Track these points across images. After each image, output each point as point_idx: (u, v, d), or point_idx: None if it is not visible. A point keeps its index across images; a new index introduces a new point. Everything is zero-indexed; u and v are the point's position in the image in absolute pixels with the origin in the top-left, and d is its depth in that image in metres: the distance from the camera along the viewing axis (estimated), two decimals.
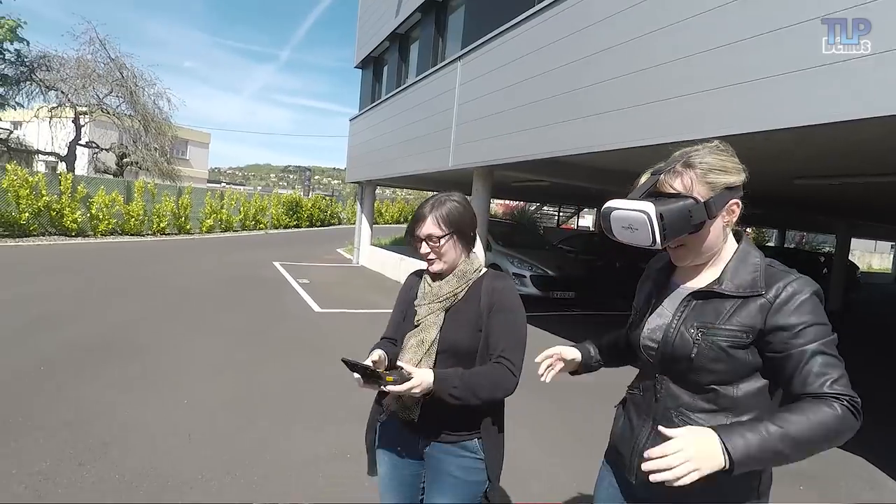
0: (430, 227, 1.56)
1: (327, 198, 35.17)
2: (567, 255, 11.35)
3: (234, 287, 8.93)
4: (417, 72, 10.20)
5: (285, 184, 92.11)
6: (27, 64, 17.75)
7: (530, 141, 6.00)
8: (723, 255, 1.28)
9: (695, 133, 3.72)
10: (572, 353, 1.58)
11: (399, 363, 1.50)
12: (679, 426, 1.18)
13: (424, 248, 1.58)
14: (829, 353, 1.11)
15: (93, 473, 2.75)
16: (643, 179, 1.28)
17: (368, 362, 1.47)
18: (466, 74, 7.60)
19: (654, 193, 1.23)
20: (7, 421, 3.24)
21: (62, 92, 18.68)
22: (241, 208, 22.84)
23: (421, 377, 1.41)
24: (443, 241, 1.55)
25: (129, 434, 3.23)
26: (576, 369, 1.63)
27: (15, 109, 18.60)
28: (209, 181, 43.43)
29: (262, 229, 24.23)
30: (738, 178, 1.22)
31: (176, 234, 18.17)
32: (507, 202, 30.09)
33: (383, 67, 12.96)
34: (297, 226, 27.74)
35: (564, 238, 14.40)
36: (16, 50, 17.07)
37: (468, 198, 1.59)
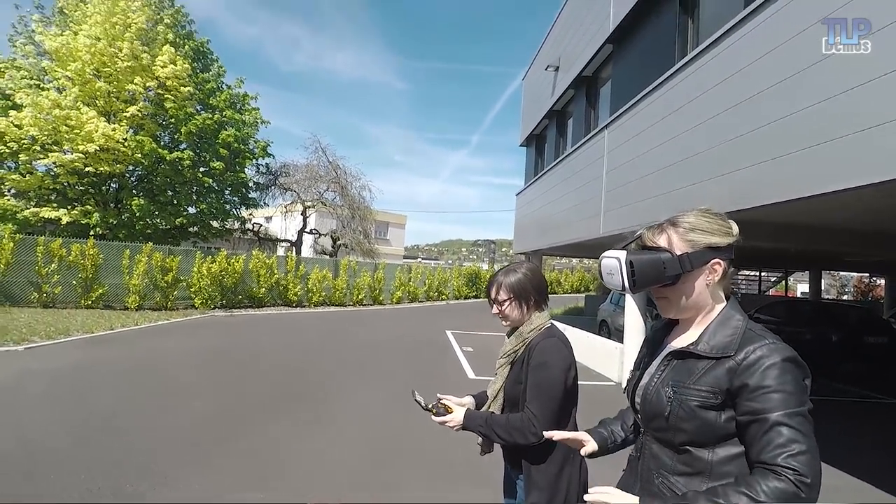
0: (497, 292, 1.86)
1: None
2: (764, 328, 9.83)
3: (408, 351, 9.86)
4: (571, 144, 10.52)
5: (475, 257, 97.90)
6: (273, 173, 23.03)
7: (680, 201, 5.69)
8: (711, 314, 1.27)
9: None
10: (590, 445, 1.54)
11: (444, 401, 1.85)
12: (659, 488, 1.20)
13: (494, 310, 1.89)
14: (790, 424, 1.05)
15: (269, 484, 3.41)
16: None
17: (419, 398, 1.87)
18: (613, 142, 7.64)
19: (641, 247, 1.32)
20: (220, 439, 4.21)
21: (295, 191, 23.61)
22: (426, 280, 25.08)
23: (455, 414, 1.79)
24: (505, 304, 1.84)
25: (296, 459, 3.90)
26: (592, 453, 1.59)
27: (263, 208, 24.01)
28: (406, 257, 48.75)
29: (443, 300, 26.10)
30: (722, 239, 1.24)
31: (371, 305, 20.72)
32: None
33: (544, 144, 13.59)
34: (475, 296, 29.15)
35: (764, 306, 12.51)
36: (266, 164, 22.35)
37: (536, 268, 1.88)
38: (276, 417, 5.12)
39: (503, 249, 71.84)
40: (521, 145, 15.32)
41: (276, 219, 28.56)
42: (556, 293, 38.93)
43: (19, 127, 14.21)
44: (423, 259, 64.94)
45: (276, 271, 16.82)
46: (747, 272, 22.80)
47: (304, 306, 17.76)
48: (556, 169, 10.90)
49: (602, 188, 7.86)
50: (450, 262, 58.58)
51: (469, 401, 1.95)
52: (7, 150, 14.95)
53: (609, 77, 8.88)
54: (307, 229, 25.28)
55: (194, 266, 14.54)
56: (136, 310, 13.04)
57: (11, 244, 11.74)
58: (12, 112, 14.45)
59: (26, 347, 7.53)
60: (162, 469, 3.69)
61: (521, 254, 15.34)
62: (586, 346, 9.35)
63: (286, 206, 24.94)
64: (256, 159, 20.39)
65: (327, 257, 24.48)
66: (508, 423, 1.69)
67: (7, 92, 15.07)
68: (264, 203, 23.36)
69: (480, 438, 1.83)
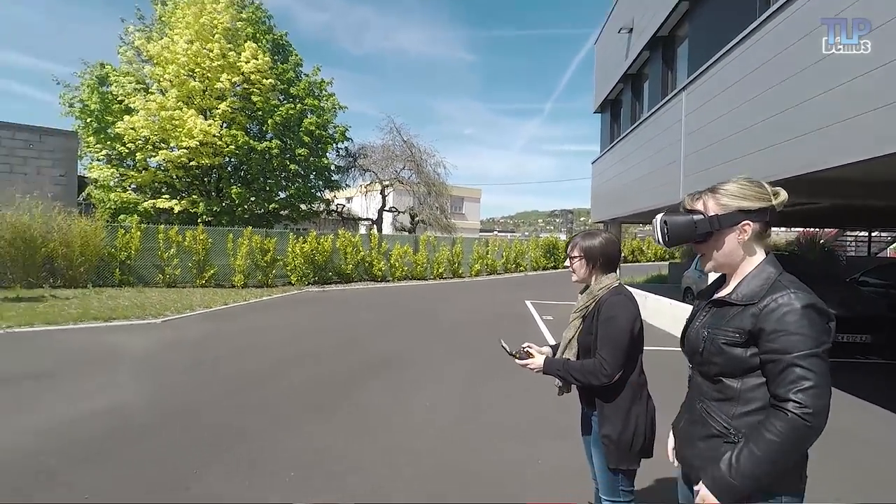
0: (573, 249, 2.20)
1: None
2: (862, 290, 9.20)
3: (488, 321, 10.30)
4: (648, 108, 10.21)
5: (551, 227, 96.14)
6: (352, 155, 24.14)
7: (770, 161, 5.50)
8: (748, 268, 1.51)
9: None
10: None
11: (527, 348, 2.21)
12: (699, 412, 1.50)
13: (567, 263, 2.23)
14: (802, 364, 1.27)
15: (368, 442, 3.99)
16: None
17: (504, 345, 2.24)
18: (692, 104, 7.41)
19: (683, 210, 1.59)
20: (322, 403, 4.89)
21: (373, 172, 24.64)
22: (504, 253, 25.34)
23: (536, 360, 2.15)
24: (575, 260, 2.18)
25: (386, 419, 4.47)
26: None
27: (344, 189, 25.28)
28: (482, 231, 49.09)
29: (521, 271, 26.27)
30: (754, 203, 1.47)
31: (450, 278, 21.39)
32: (807, 229, 25.17)
33: (619, 109, 13.22)
34: (553, 267, 29.01)
35: (873, 269, 11.57)
36: (345, 147, 23.45)
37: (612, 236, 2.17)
38: (377, 379, 5.75)
39: (581, 219, 69.95)
40: (595, 112, 14.97)
41: (357, 199, 29.99)
42: (638, 262, 37.70)
43: (135, 129, 16.02)
44: (499, 232, 64.90)
45: (361, 249, 17.87)
46: (856, 233, 20.86)
47: (387, 281, 18.74)
48: (633, 135, 10.65)
49: (681, 152, 7.68)
50: (526, 233, 58.22)
51: (548, 350, 2.28)
52: (126, 151, 16.94)
53: (686, 36, 8.53)
54: (386, 207, 26.32)
55: (289, 246, 15.84)
56: (242, 287, 14.51)
57: (139, 233, 13.47)
58: (126, 116, 16.29)
59: (163, 321, 8.82)
60: (289, 418, 4.39)
61: (598, 223, 15.15)
62: (669, 315, 9.28)
63: (366, 187, 26.12)
64: (336, 143, 21.45)
65: (406, 234, 25.47)
66: (583, 367, 2.01)
67: (120, 98, 16.96)
68: (346, 185, 24.59)
69: (558, 381, 2.16)
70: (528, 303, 13.29)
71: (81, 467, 3.35)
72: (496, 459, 3.69)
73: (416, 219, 26.57)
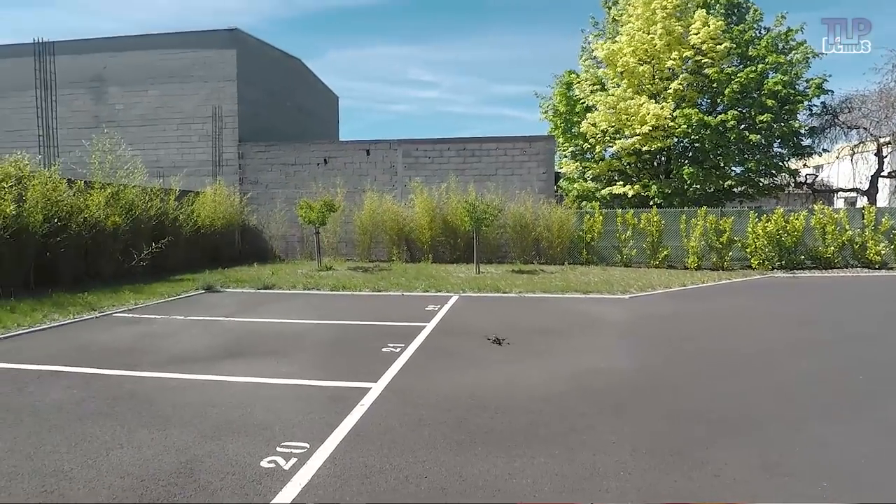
0: None
1: None
2: None
3: None
4: None
5: None
6: (831, 111, 19.41)
7: None
8: None
9: None
10: None
11: None
12: None
13: None
14: None
15: None
16: None
17: None
18: None
19: None
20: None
21: (864, 128, 19.10)
22: None
23: None
24: None
25: None
26: None
27: (819, 156, 20.66)
28: None
29: None
30: None
31: None
32: None
33: None
34: None
35: None
36: (821, 102, 19.09)
37: None
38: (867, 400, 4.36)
39: None
40: None
41: (833, 167, 24.07)
42: None
43: (594, 125, 17.91)
44: None
45: (847, 227, 14.23)
46: None
47: (890, 268, 14.24)
48: None
49: None
50: None
51: None
52: (587, 146, 19.19)
53: None
54: (884, 172, 20.05)
55: (748, 226, 14.26)
56: (696, 269, 14.04)
57: (601, 218, 15.03)
58: (588, 115, 18.38)
59: (630, 297, 9.53)
60: (794, 414, 3.85)
61: None
62: None
63: (852, 148, 20.57)
64: (809, 100, 17.77)
65: None
66: None
67: (581, 100, 19.25)
68: (822, 150, 20.11)
69: None
70: None
71: (602, 415, 3.90)
72: None
73: None
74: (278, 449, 3.27)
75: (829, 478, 2.94)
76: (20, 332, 6.47)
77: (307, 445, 3.32)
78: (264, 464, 3.08)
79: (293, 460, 3.12)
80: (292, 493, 2.76)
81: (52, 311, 7.50)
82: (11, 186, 8.83)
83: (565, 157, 20.72)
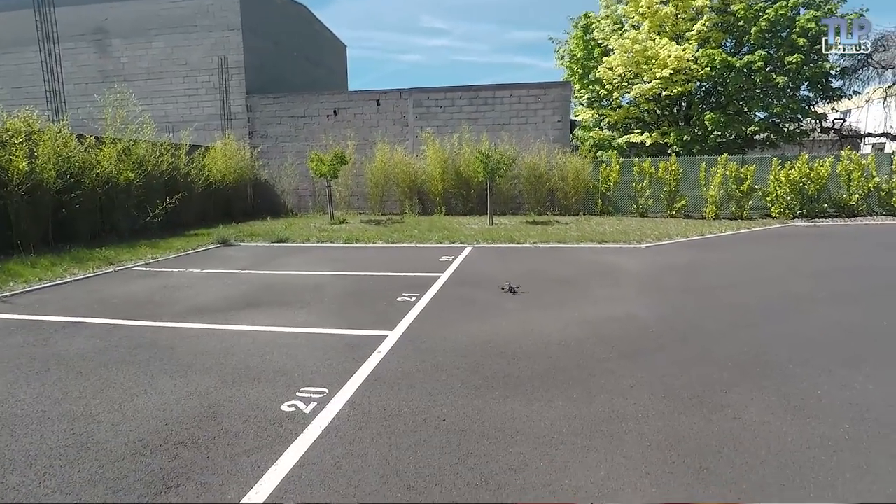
0: None
1: None
2: None
3: None
4: None
5: None
6: (864, 50, 18.36)
7: None
8: None
9: None
10: None
11: None
12: None
13: None
14: None
15: None
16: None
17: None
18: None
19: None
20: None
21: None
22: None
23: None
24: None
25: None
26: None
27: (849, 99, 19.71)
28: None
29: None
30: None
31: None
32: None
33: None
34: None
35: None
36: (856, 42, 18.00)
37: None
38: None
39: None
40: None
41: (862, 110, 23.02)
42: None
43: (612, 69, 17.18)
44: None
45: (874, 174, 13.71)
46: None
47: None
48: None
49: None
50: None
51: None
52: (604, 92, 18.49)
53: None
54: None
55: (771, 173, 13.80)
56: (714, 219, 13.75)
57: (617, 167, 14.65)
58: (605, 58, 17.60)
59: (646, 246, 9.38)
60: (817, 360, 3.80)
61: None
62: None
63: (885, 90, 19.58)
64: (843, 38, 16.77)
65: None
66: None
67: (600, 42, 18.40)
68: (852, 92, 19.17)
69: None
70: None
71: (620, 361, 3.88)
72: None
73: None
74: (298, 394, 3.31)
75: (851, 420, 2.90)
76: (42, 285, 6.58)
77: (326, 390, 3.36)
78: (285, 408, 3.13)
79: (313, 404, 3.16)
80: (313, 434, 2.80)
81: (72, 266, 7.61)
82: (22, 143, 8.79)
83: (581, 104, 20.06)
